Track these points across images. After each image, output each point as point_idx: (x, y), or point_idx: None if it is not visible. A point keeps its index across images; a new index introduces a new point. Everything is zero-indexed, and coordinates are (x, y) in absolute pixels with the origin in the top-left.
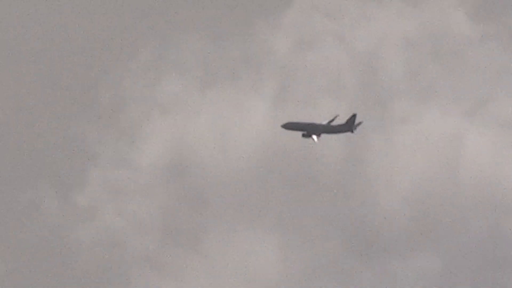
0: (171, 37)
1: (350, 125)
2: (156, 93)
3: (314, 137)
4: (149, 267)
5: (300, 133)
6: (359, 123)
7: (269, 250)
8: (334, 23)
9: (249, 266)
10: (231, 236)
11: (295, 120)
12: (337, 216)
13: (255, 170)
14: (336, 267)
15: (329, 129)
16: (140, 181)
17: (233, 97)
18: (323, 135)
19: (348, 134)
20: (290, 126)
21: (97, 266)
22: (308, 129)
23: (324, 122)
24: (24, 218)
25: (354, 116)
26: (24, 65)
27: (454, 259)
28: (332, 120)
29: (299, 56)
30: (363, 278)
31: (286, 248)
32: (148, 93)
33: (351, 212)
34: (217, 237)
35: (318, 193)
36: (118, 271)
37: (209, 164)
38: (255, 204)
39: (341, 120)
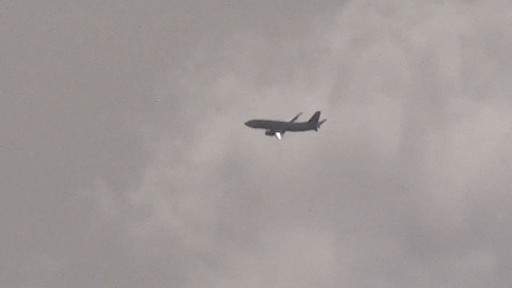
0: (227, 34)
1: (314, 123)
2: (211, 90)
3: (278, 134)
4: (204, 265)
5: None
6: (323, 121)
7: (323, 248)
8: (390, 20)
9: (303, 264)
10: (285, 234)
11: (258, 117)
12: (392, 214)
13: (310, 167)
14: (391, 265)
15: (293, 126)
16: (195, 179)
17: (288, 95)
18: (286, 133)
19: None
20: (254, 124)
21: (152, 264)
22: (272, 127)
23: (288, 120)
24: (79, 217)
25: (318, 113)
26: (81, 64)
27: (510, 258)
28: (296, 117)
29: (355, 53)
30: (418, 277)
31: (341, 246)
32: (204, 91)
33: (407, 210)
34: (271, 234)
35: (373, 190)
36: (173, 269)
37: (264, 162)
38: (309, 202)
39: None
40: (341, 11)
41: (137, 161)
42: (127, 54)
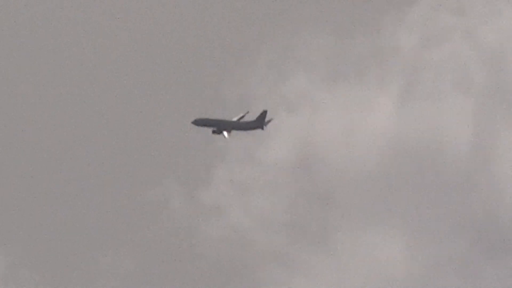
0: (297, 33)
1: (260, 122)
2: (282, 90)
3: (225, 133)
4: (276, 265)
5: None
6: (270, 120)
7: (395, 247)
8: (461, 19)
9: (375, 263)
10: (357, 234)
11: (204, 116)
12: (464, 213)
13: (381, 167)
14: (463, 264)
15: (239, 125)
16: (266, 178)
17: (359, 94)
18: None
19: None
20: (200, 122)
21: (224, 263)
22: (218, 126)
23: (235, 118)
24: (152, 216)
25: (264, 112)
26: (153, 64)
27: None
28: (243, 116)
29: (426, 52)
30: (490, 276)
31: (413, 246)
32: (274, 90)
33: (479, 208)
34: (343, 234)
35: (445, 189)
36: (245, 268)
37: (335, 161)
38: (381, 201)
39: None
40: (412, 10)
41: (209, 160)
42: (199, 54)
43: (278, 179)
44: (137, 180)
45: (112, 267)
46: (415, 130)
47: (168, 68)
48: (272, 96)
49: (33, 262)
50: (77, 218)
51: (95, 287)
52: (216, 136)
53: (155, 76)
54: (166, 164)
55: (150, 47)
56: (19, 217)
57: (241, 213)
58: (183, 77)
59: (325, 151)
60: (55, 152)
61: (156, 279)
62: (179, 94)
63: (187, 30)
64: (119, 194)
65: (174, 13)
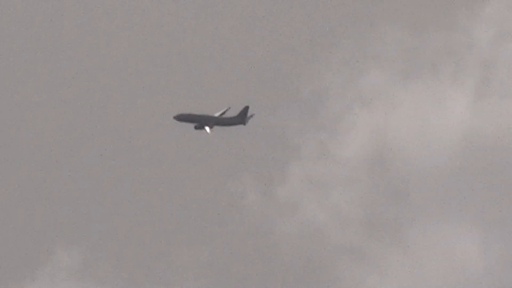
0: (372, 28)
1: (242, 118)
2: (357, 85)
3: (207, 128)
4: (352, 261)
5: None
6: (251, 116)
7: (471, 243)
8: None
9: (451, 259)
10: (432, 230)
11: (186, 111)
12: None
13: (456, 162)
14: None
15: (221, 121)
16: (341, 173)
17: (434, 89)
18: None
19: None
20: (181, 118)
21: (300, 259)
22: (200, 121)
23: (217, 114)
24: (228, 213)
25: (246, 108)
26: (225, 60)
27: None
28: (224, 112)
29: (502, 47)
30: None
31: (489, 243)
32: (349, 86)
33: None
34: (418, 230)
35: None
36: (320, 264)
37: (410, 156)
38: (456, 197)
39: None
40: (488, 4)
41: (284, 156)
42: (274, 49)
43: (353, 175)
44: (214, 176)
45: (188, 263)
46: (490, 125)
47: (244, 63)
48: (347, 91)
49: (110, 258)
50: (156, 213)
51: (171, 283)
52: (198, 131)
53: (234, 72)
54: (241, 159)
55: (233, 43)
56: (98, 213)
57: (316, 209)
58: (260, 72)
59: (400, 147)
60: (132, 151)
61: (232, 275)
62: (256, 89)
63: (263, 25)
64: (197, 190)
65: (250, 8)
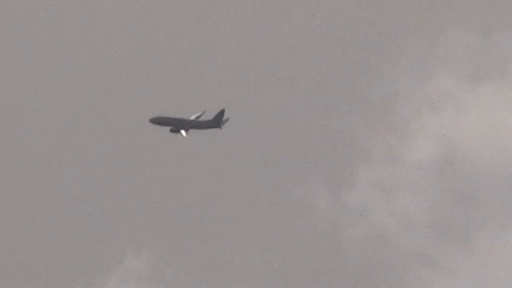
0: (441, 31)
1: (217, 121)
2: (425, 88)
3: (183, 132)
4: (421, 265)
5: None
6: (227, 119)
7: None
8: None
9: None
10: (501, 234)
11: (162, 114)
12: None
13: None
14: None
15: (196, 124)
16: (410, 178)
17: (503, 93)
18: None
19: None
20: (157, 121)
21: (369, 263)
22: (176, 124)
23: (192, 117)
24: (296, 216)
25: (222, 112)
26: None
27: None
28: (200, 115)
29: None
30: None
31: None
32: (418, 89)
33: None
34: (487, 234)
35: None
36: (389, 269)
37: (479, 160)
38: None
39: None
40: None
41: (352, 160)
42: (342, 54)
43: (421, 179)
44: (282, 180)
45: (256, 265)
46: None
47: (314, 69)
48: (415, 94)
49: (178, 260)
50: (224, 217)
51: (239, 285)
52: (174, 135)
53: (296, 76)
54: (311, 164)
55: (290, 42)
56: (165, 217)
57: (385, 213)
58: (328, 77)
59: (469, 150)
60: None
61: (300, 278)
62: (324, 94)
63: (332, 27)
64: (265, 193)
65: (319, 8)
